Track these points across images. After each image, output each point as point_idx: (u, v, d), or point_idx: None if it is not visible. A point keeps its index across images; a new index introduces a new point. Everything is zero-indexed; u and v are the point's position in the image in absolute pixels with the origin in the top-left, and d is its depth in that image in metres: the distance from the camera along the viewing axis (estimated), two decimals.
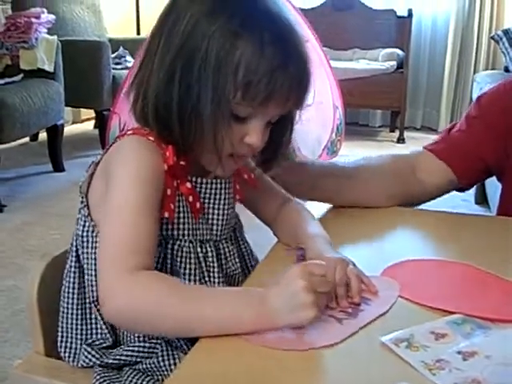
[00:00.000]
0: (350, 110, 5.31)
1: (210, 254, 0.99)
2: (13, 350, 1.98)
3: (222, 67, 0.85)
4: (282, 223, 1.11)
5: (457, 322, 0.80)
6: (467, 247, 1.09)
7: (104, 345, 0.96)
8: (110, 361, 0.95)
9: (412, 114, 5.78)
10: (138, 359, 0.94)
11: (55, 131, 3.99)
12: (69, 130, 4.96)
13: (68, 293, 0.99)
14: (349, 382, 0.71)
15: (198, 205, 0.96)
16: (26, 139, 4.54)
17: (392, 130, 5.74)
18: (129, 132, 0.93)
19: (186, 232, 0.96)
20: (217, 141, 0.89)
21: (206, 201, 0.99)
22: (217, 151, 0.90)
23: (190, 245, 0.97)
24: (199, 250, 0.98)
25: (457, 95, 5.62)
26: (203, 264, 0.98)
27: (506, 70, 4.89)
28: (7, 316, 2.21)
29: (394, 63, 5.26)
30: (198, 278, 0.97)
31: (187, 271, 0.96)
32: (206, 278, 0.98)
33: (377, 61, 5.37)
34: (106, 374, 0.95)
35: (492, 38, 5.06)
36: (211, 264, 0.99)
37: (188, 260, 0.96)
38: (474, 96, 4.97)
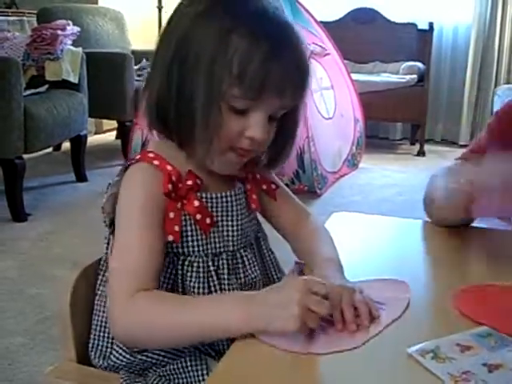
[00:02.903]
0: (371, 123, 5.32)
1: (222, 267, 1.00)
2: (39, 357, 2.01)
3: (217, 62, 0.88)
4: (299, 240, 1.11)
5: (482, 335, 0.81)
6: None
7: (135, 349, 0.98)
8: (137, 361, 0.97)
9: (432, 127, 5.78)
10: (166, 360, 0.96)
11: (78, 141, 4.03)
12: (91, 140, 5.01)
13: (102, 296, 1.03)
14: None
15: (208, 221, 0.98)
16: (50, 149, 4.60)
17: (412, 143, 5.74)
18: (137, 157, 0.97)
19: (196, 248, 0.98)
20: (208, 131, 0.91)
21: (219, 213, 1.00)
22: (209, 142, 0.92)
23: (201, 260, 0.98)
24: (211, 263, 0.99)
25: (477, 108, 5.61)
26: (215, 277, 0.99)
27: None
28: (32, 324, 2.24)
29: (414, 76, 5.27)
30: (207, 291, 0.98)
31: (197, 285, 0.97)
32: (218, 292, 0.99)
33: (398, 74, 5.38)
34: (132, 380, 0.98)
35: None
36: (223, 276, 1.00)
37: (198, 274, 0.98)
38: (495, 109, 4.97)
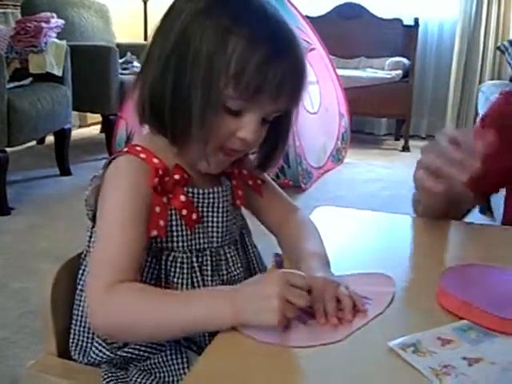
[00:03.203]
0: (356, 118, 5.34)
1: (206, 263, 1.00)
2: (21, 351, 2.00)
3: (215, 61, 0.87)
4: (286, 235, 1.11)
5: (463, 329, 0.82)
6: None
7: (115, 345, 0.98)
8: (118, 357, 0.97)
9: (417, 122, 5.80)
10: (146, 354, 0.96)
11: (62, 135, 4.01)
12: (75, 133, 4.99)
13: (82, 291, 1.02)
14: None
15: (194, 216, 0.97)
16: (33, 142, 4.58)
17: (397, 139, 5.76)
18: (124, 149, 0.96)
19: (180, 244, 0.97)
20: (204, 131, 0.90)
21: (205, 209, 1.00)
22: (204, 142, 0.92)
23: (185, 255, 0.98)
24: (195, 259, 0.99)
25: (462, 104, 5.64)
26: (198, 273, 0.99)
27: None
28: (15, 318, 2.23)
29: (399, 72, 5.29)
30: (190, 287, 0.98)
31: (180, 281, 0.97)
32: (201, 288, 0.99)
33: (383, 69, 5.40)
34: (114, 374, 0.98)
35: (498, 48, 5.09)
36: (206, 272, 1.00)
37: (182, 270, 0.98)
38: (480, 105, 4.99)
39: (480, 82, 5.43)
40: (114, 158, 0.96)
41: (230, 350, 0.78)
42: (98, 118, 5.21)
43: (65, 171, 4.11)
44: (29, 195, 3.71)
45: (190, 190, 0.98)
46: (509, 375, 0.71)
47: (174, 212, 0.96)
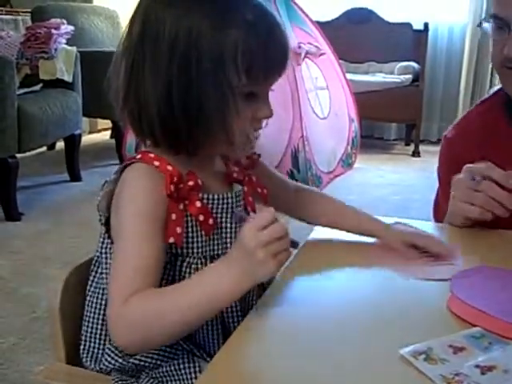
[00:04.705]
0: (366, 123, 5.33)
1: None
2: (30, 357, 2.00)
3: (220, 58, 0.88)
4: (311, 205, 1.19)
5: (475, 336, 0.81)
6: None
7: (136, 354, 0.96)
8: (130, 365, 0.96)
9: (427, 127, 5.78)
10: (159, 362, 0.95)
11: (73, 141, 4.03)
12: (86, 139, 5.00)
13: (93, 297, 1.01)
14: None
15: (210, 221, 0.96)
16: (43, 148, 4.59)
17: (407, 144, 5.74)
18: (138, 156, 0.95)
19: (195, 250, 0.97)
20: (229, 130, 0.91)
21: (219, 215, 0.99)
22: (230, 142, 0.93)
23: (199, 261, 0.97)
24: (209, 265, 0.98)
25: None
26: None
27: None
28: (24, 323, 2.23)
29: (409, 76, 5.27)
30: None
31: None
32: None
33: (393, 74, 5.39)
34: (125, 381, 0.97)
35: None
36: None
37: None
38: None
39: (490, 86, 5.40)
40: (127, 165, 0.95)
41: (239, 356, 0.78)
42: (108, 123, 5.23)
43: (75, 177, 4.11)
44: (39, 201, 3.72)
45: (205, 195, 0.97)
46: None
47: (190, 218, 0.95)
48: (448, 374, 0.72)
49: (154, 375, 0.97)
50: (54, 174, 4.23)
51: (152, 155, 0.94)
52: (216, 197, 0.99)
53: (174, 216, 0.92)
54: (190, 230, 0.95)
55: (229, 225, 1.01)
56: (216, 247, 0.99)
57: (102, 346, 1.00)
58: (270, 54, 0.91)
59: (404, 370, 0.74)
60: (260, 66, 0.90)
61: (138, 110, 0.93)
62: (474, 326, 0.84)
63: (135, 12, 0.96)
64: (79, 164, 4.14)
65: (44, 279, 2.56)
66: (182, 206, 0.94)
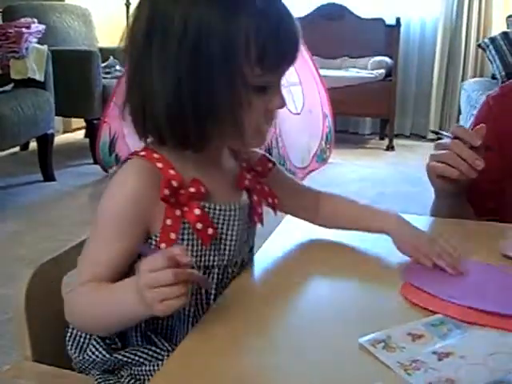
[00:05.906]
0: (340, 118, 5.35)
1: (212, 281, 0.98)
2: (4, 358, 1.98)
3: (232, 48, 0.85)
4: (335, 211, 1.17)
5: (434, 324, 0.82)
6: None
7: (113, 346, 0.96)
8: (112, 359, 0.95)
9: (401, 121, 5.81)
10: (141, 360, 0.94)
11: (45, 140, 4.00)
12: (60, 139, 4.97)
13: None
14: (325, 381, 0.72)
15: (210, 231, 0.94)
16: (16, 148, 4.56)
17: (382, 138, 5.77)
18: (141, 153, 0.94)
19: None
20: (240, 123, 0.90)
21: (220, 226, 0.97)
22: (241, 131, 0.91)
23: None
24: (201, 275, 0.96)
25: (445, 103, 5.66)
26: (203, 290, 0.97)
27: (493, 77, 4.95)
28: None
29: (382, 71, 5.30)
30: (193, 303, 0.96)
31: None
32: (205, 306, 0.97)
33: (366, 69, 5.41)
34: (106, 380, 0.97)
35: (479, 45, 5.13)
36: (210, 291, 0.97)
37: None
38: (462, 103, 5.02)
39: (462, 80, 5.45)
40: (130, 158, 0.94)
41: (199, 349, 0.78)
42: (82, 122, 5.19)
43: (48, 177, 4.08)
44: (12, 202, 3.69)
45: (207, 204, 0.95)
46: (477, 369, 0.72)
47: (186, 226, 0.93)
48: (405, 360, 0.73)
49: (135, 373, 0.95)
50: (27, 174, 4.19)
51: (157, 155, 0.93)
52: (219, 207, 0.96)
53: (169, 221, 0.91)
54: (185, 237, 0.93)
55: (229, 236, 0.98)
56: (212, 258, 0.97)
57: (88, 336, 0.99)
58: (281, 42, 0.88)
59: (363, 359, 0.75)
60: (272, 55, 0.87)
61: (142, 105, 0.91)
62: (434, 313, 0.85)
63: (139, 6, 0.93)
64: (53, 164, 4.10)
65: (16, 280, 2.53)
66: (179, 213, 0.92)
